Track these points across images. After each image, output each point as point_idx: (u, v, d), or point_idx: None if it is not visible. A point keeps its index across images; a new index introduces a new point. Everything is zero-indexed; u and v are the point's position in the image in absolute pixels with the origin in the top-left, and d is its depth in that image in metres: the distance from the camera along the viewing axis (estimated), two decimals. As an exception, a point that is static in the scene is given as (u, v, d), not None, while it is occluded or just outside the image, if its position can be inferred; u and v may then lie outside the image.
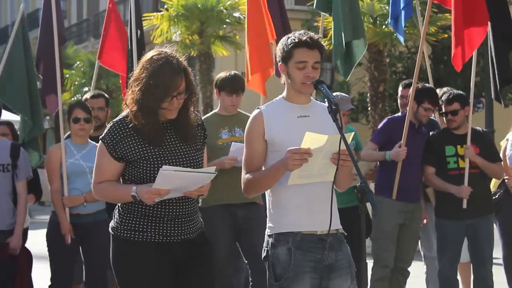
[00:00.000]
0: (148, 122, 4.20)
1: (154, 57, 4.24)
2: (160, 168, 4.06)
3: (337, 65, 7.46)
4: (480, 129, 7.25)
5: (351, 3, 7.38)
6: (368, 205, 4.08)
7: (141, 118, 4.21)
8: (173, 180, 4.09)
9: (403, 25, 7.73)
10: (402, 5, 7.68)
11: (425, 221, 7.33)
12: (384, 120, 7.25)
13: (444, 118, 7.10)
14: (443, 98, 7.08)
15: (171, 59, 4.21)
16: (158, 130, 4.25)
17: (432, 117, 7.51)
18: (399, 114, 7.38)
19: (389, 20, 8.03)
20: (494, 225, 7.33)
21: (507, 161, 7.18)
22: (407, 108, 7.07)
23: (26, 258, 6.67)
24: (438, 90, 7.40)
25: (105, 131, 4.32)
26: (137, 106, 4.20)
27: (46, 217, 7.01)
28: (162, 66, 4.18)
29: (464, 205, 6.85)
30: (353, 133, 4.36)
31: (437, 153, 6.98)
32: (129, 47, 7.80)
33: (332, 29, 7.55)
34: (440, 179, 6.93)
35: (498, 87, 7.12)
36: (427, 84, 7.35)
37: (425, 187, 7.27)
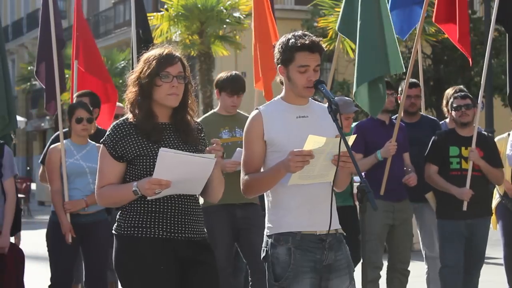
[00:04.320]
0: (145, 111, 4.25)
1: (151, 52, 4.37)
2: (160, 149, 4.09)
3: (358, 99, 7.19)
4: (485, 133, 7.27)
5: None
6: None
7: (138, 110, 4.27)
8: (172, 165, 4.08)
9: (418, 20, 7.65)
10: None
11: None
12: (354, 129, 7.23)
13: (455, 113, 7.06)
14: (456, 94, 7.12)
15: (164, 48, 4.36)
16: (156, 125, 4.29)
17: (432, 116, 7.55)
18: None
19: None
20: (498, 225, 7.36)
21: (507, 161, 7.18)
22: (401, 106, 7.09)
23: (17, 257, 6.59)
24: (450, 90, 7.50)
25: (106, 134, 4.37)
26: (134, 91, 4.28)
27: (46, 217, 7.02)
28: (155, 50, 4.34)
29: (465, 208, 6.87)
30: (354, 136, 4.37)
31: (441, 152, 6.99)
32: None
33: (357, 54, 7.12)
34: (443, 179, 6.95)
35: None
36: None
37: (424, 192, 7.25)
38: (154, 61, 4.27)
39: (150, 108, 4.29)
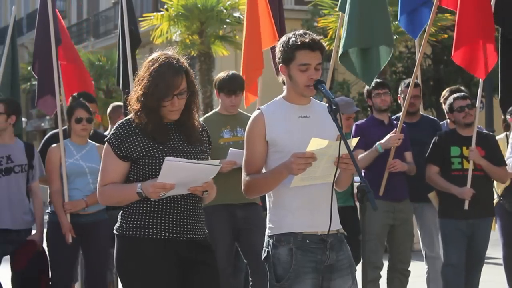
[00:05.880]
0: (151, 121, 4.25)
1: (155, 58, 4.30)
2: (165, 158, 4.08)
3: (353, 66, 7.18)
4: (486, 132, 7.25)
5: (382, 8, 7.12)
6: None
7: (143, 117, 4.25)
8: (177, 172, 4.09)
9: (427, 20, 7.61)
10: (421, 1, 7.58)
11: None
12: (353, 128, 7.22)
13: (458, 114, 7.04)
14: (456, 95, 7.10)
15: (172, 60, 4.27)
16: (162, 127, 4.28)
17: (432, 117, 7.54)
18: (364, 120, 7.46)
19: (398, 16, 7.90)
20: (496, 226, 7.36)
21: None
22: (404, 106, 7.09)
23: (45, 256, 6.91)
24: (445, 91, 7.49)
25: (111, 132, 4.36)
26: (139, 105, 4.26)
27: (46, 217, 7.02)
28: (162, 66, 4.24)
29: (466, 207, 6.86)
30: (357, 138, 4.36)
31: (442, 153, 6.98)
32: (121, 47, 7.74)
33: (346, 22, 7.13)
34: (443, 179, 6.94)
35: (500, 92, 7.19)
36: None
37: (425, 191, 7.24)
38: (161, 83, 4.19)
39: (156, 114, 4.26)
